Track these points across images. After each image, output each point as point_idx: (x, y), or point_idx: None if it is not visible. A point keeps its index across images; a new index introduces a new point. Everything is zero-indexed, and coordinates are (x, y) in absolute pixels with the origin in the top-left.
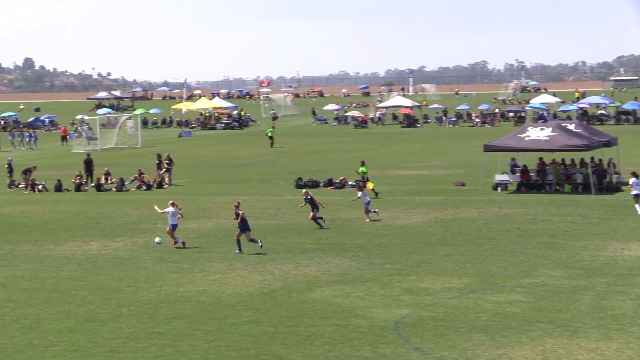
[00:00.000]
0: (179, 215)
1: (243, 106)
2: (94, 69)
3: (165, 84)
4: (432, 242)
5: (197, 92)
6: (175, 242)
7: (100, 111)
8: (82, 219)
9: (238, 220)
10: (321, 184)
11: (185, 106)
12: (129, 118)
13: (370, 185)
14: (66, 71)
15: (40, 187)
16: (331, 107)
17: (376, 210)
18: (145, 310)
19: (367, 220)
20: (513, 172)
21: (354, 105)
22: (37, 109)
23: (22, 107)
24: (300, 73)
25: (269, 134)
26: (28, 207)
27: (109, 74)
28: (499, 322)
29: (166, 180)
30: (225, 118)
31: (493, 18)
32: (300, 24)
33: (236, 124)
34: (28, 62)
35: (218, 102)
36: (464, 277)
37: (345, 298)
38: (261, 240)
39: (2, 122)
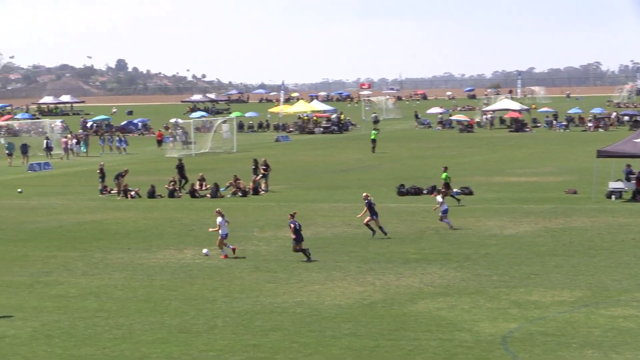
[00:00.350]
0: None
1: (343, 109)
2: (188, 70)
3: (262, 86)
4: (541, 252)
5: (295, 94)
6: (225, 256)
7: (195, 114)
8: (176, 226)
9: (292, 232)
10: (424, 191)
11: (282, 109)
12: (225, 122)
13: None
14: (160, 73)
15: (132, 193)
16: (435, 110)
17: (451, 224)
18: (240, 321)
19: (449, 228)
20: (628, 180)
21: (459, 108)
22: (130, 112)
23: (114, 110)
24: (403, 75)
25: (373, 137)
26: (120, 214)
27: (203, 76)
28: (612, 337)
29: (262, 186)
30: (324, 122)
31: (607, 16)
32: (403, 23)
33: (335, 128)
34: (121, 64)
35: (317, 105)
36: (575, 290)
37: (449, 311)
38: (310, 255)
39: (94, 125)
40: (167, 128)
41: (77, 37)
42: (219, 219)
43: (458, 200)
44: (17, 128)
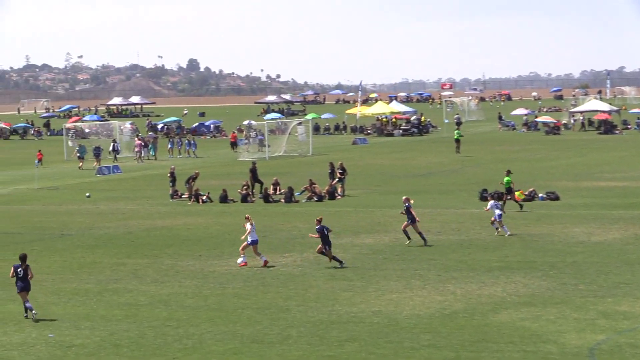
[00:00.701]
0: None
1: (423, 111)
2: (262, 70)
3: (339, 86)
4: (631, 261)
5: (373, 95)
6: (245, 264)
7: (269, 116)
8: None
9: (319, 237)
10: (508, 196)
11: (360, 111)
12: (300, 124)
13: (518, 195)
14: (233, 73)
15: (204, 197)
16: (520, 111)
17: (508, 231)
18: (315, 331)
19: (496, 233)
20: None
21: (545, 109)
22: (202, 114)
23: (185, 111)
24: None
25: (456, 136)
26: (191, 219)
27: (278, 76)
28: None
29: (339, 191)
30: (404, 123)
31: None
32: (486, 21)
33: (415, 130)
34: (192, 64)
35: (396, 107)
36: None
37: (534, 321)
38: (344, 262)
39: (165, 127)
40: (240, 130)
41: (148, 36)
42: (248, 225)
43: (521, 206)
44: (86, 130)
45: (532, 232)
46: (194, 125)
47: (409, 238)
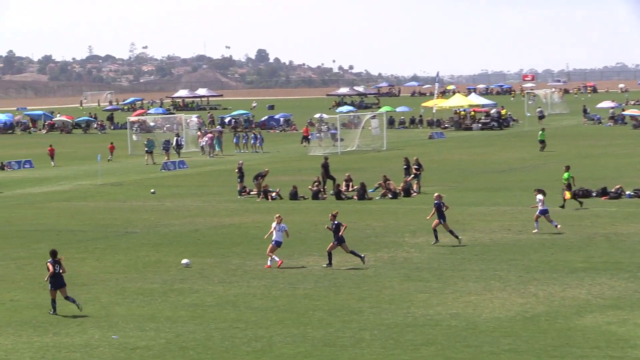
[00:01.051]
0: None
1: (503, 103)
2: (334, 61)
3: (415, 78)
4: None
5: (450, 87)
6: (269, 266)
7: (341, 109)
8: (320, 230)
9: (333, 231)
10: (593, 194)
11: (436, 103)
12: (373, 117)
13: (567, 195)
14: (303, 64)
15: (273, 194)
16: (606, 104)
17: (557, 224)
18: (390, 334)
19: (535, 230)
20: None
21: (632, 102)
22: (271, 107)
23: (254, 104)
24: (570, 65)
25: (541, 137)
26: (260, 217)
27: (351, 68)
28: None
29: (414, 187)
30: (483, 117)
31: None
32: (569, 9)
33: (495, 124)
34: (261, 55)
35: (475, 99)
36: None
37: (620, 325)
38: (365, 256)
39: (233, 121)
40: (311, 124)
41: (215, 26)
42: (274, 224)
43: (580, 203)
44: (150, 124)
45: (619, 231)
46: (262, 119)
47: (436, 238)
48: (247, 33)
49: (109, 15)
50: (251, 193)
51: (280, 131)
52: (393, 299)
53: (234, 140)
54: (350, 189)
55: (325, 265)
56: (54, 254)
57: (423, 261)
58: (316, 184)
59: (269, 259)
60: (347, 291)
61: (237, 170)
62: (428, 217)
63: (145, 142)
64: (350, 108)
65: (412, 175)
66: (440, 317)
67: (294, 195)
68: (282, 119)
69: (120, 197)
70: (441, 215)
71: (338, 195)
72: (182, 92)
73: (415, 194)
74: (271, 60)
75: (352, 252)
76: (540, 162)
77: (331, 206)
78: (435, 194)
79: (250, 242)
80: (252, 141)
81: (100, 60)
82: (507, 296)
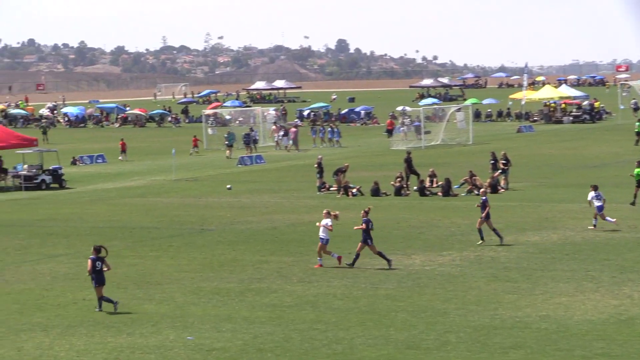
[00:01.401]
0: (329, 228)
1: (596, 95)
2: (417, 52)
3: (502, 69)
4: None
5: (540, 78)
6: (320, 265)
7: (425, 101)
8: (403, 228)
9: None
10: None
11: (525, 95)
12: (459, 110)
13: None
14: (385, 55)
15: (354, 190)
16: None
17: (612, 220)
18: (476, 337)
19: (590, 227)
20: None
21: None
22: (352, 99)
23: (334, 96)
24: None
25: (638, 129)
26: (341, 214)
27: (435, 58)
28: None
29: (501, 183)
30: (574, 109)
31: None
32: None
33: (587, 116)
34: (342, 45)
35: (565, 91)
36: None
37: None
38: (392, 260)
39: (312, 114)
40: (393, 117)
41: (293, 15)
42: (325, 222)
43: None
44: (226, 117)
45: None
46: (343, 112)
47: (482, 238)
48: (326, 22)
49: (184, 4)
50: (330, 189)
51: (361, 125)
52: (480, 300)
53: (311, 134)
54: (435, 184)
55: (347, 264)
56: (97, 250)
57: (511, 260)
58: (399, 179)
59: (320, 257)
60: (431, 292)
61: (316, 166)
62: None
63: (226, 136)
64: (435, 100)
65: (500, 171)
66: (529, 319)
67: (375, 192)
68: (363, 112)
69: (196, 193)
70: (486, 213)
71: (422, 191)
72: (259, 84)
73: (502, 190)
74: (352, 51)
75: (379, 254)
76: (635, 156)
77: (414, 202)
78: (481, 190)
79: (330, 240)
80: (329, 135)
81: (175, 51)
82: (600, 298)
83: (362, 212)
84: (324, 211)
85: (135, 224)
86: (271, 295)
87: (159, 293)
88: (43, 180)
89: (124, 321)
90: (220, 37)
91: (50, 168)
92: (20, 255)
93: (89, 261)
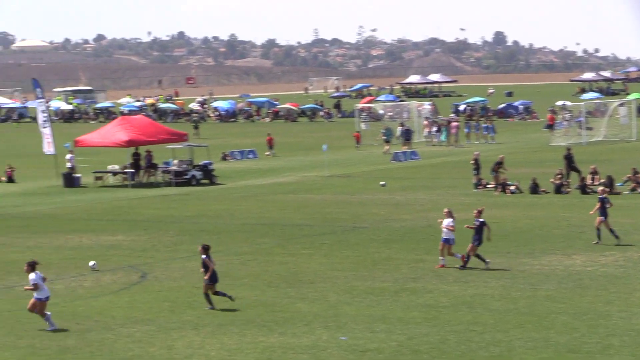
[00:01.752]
0: (451, 228)
1: None
2: (578, 44)
3: None
4: None
5: None
6: (442, 266)
7: (586, 96)
8: (563, 227)
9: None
10: None
11: None
12: (622, 104)
13: None
14: (545, 47)
15: (512, 187)
16: None
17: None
18: None
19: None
20: None
21: None
22: (509, 94)
23: (491, 90)
24: None
25: None
26: (498, 212)
27: (596, 51)
28: None
29: None
30: None
31: None
32: None
33: None
34: (499, 37)
35: None
36: None
37: None
38: (465, 265)
39: (468, 108)
40: (553, 112)
41: (449, 7)
42: (447, 221)
43: None
44: (380, 112)
45: None
46: (500, 106)
47: (599, 238)
48: (483, 14)
49: None
50: (488, 186)
51: (520, 120)
52: None
53: (465, 129)
54: (596, 182)
55: (459, 267)
56: (208, 248)
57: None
58: (559, 176)
59: (442, 257)
60: (593, 293)
61: (472, 162)
62: (591, 212)
63: (383, 131)
64: (596, 95)
65: None
66: None
67: (534, 189)
68: (521, 107)
69: (348, 190)
70: (603, 212)
71: (583, 189)
72: (413, 78)
73: None
74: (509, 44)
75: (478, 256)
76: None
77: (574, 201)
78: (600, 188)
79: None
80: (483, 131)
81: (327, 44)
82: None
83: (475, 211)
84: (445, 210)
85: (287, 221)
86: (426, 295)
87: (312, 292)
88: (193, 176)
89: (275, 320)
90: (374, 30)
91: (201, 163)
92: (171, 252)
93: (209, 260)
